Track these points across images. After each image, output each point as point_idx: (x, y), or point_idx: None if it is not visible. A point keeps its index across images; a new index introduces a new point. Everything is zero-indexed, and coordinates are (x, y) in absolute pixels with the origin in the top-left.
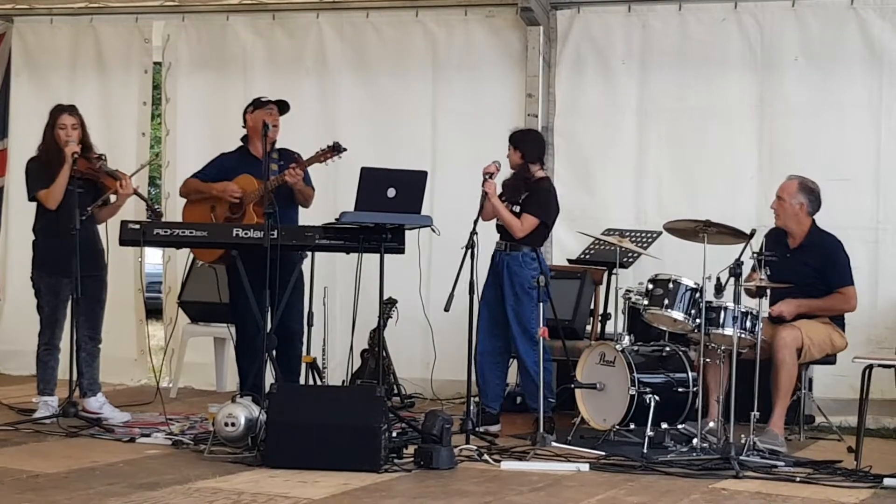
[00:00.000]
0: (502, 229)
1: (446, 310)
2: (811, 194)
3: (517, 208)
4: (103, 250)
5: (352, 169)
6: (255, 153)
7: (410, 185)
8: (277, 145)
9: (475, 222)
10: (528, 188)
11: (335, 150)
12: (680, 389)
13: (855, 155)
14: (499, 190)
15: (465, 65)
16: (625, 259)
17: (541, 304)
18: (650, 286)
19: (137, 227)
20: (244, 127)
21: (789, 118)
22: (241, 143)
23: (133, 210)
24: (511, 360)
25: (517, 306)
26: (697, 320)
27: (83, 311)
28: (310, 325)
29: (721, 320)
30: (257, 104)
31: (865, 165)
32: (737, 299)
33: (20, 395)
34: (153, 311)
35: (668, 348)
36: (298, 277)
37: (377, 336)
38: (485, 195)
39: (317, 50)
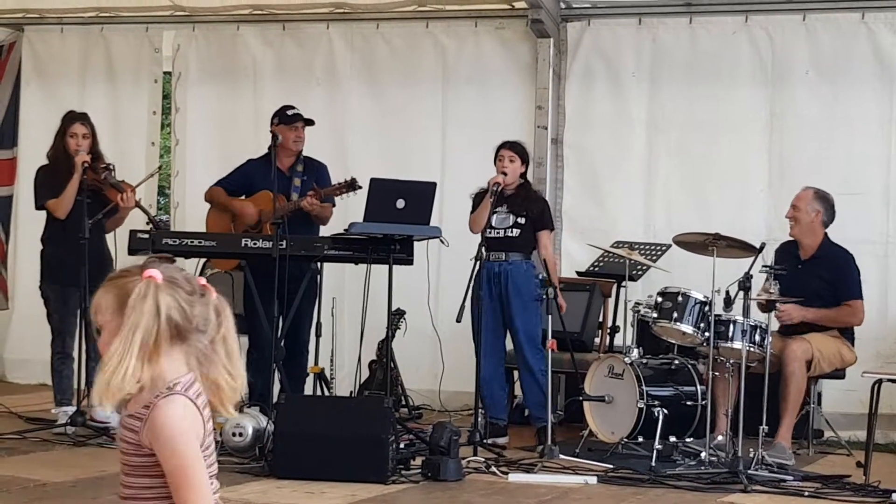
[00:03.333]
0: (495, 241)
1: (458, 320)
2: (826, 203)
3: (521, 220)
4: (111, 258)
5: (361, 180)
6: (280, 165)
7: (419, 197)
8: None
9: (483, 234)
10: (530, 199)
11: (352, 187)
12: (688, 403)
13: (865, 169)
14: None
15: (475, 76)
16: (634, 272)
17: (549, 315)
18: (659, 299)
19: (146, 236)
20: (270, 132)
21: (800, 132)
22: (268, 150)
23: (142, 220)
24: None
25: (525, 316)
26: (706, 333)
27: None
28: (318, 335)
29: (730, 334)
30: (283, 118)
31: (876, 179)
32: (746, 313)
33: (29, 403)
34: None
35: (676, 361)
36: (311, 287)
37: (385, 347)
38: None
39: (327, 60)
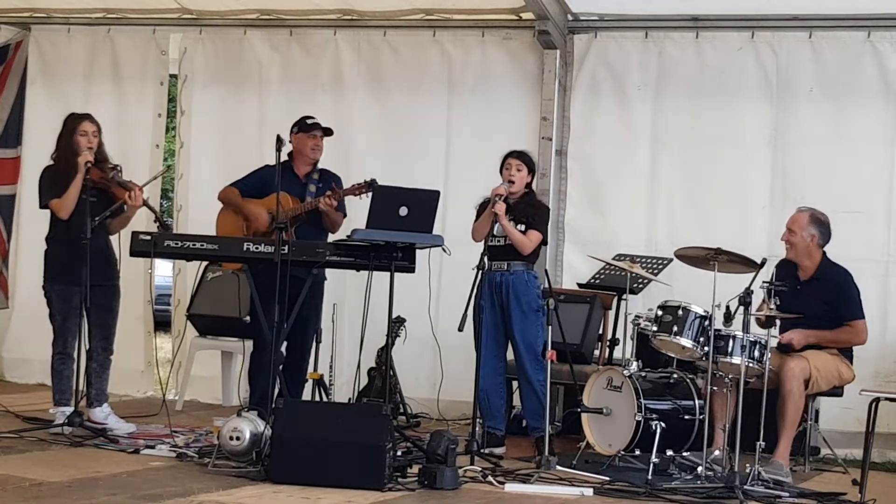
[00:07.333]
0: (497, 250)
1: (460, 329)
2: (822, 226)
3: (521, 227)
4: (116, 260)
5: None
6: (297, 172)
7: (423, 205)
8: (319, 165)
9: (486, 243)
10: (532, 206)
11: (371, 187)
12: (686, 417)
13: (868, 188)
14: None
15: (481, 86)
16: (635, 285)
17: (549, 326)
18: (659, 312)
19: (148, 238)
20: (290, 142)
21: (803, 149)
22: (286, 159)
23: (144, 221)
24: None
25: (524, 326)
26: (706, 348)
27: (95, 320)
28: (318, 341)
29: (729, 349)
30: (302, 126)
31: (878, 198)
32: (745, 328)
33: (27, 403)
34: (162, 323)
35: (675, 375)
36: (317, 293)
37: (385, 354)
38: (494, 216)
39: (333, 67)
